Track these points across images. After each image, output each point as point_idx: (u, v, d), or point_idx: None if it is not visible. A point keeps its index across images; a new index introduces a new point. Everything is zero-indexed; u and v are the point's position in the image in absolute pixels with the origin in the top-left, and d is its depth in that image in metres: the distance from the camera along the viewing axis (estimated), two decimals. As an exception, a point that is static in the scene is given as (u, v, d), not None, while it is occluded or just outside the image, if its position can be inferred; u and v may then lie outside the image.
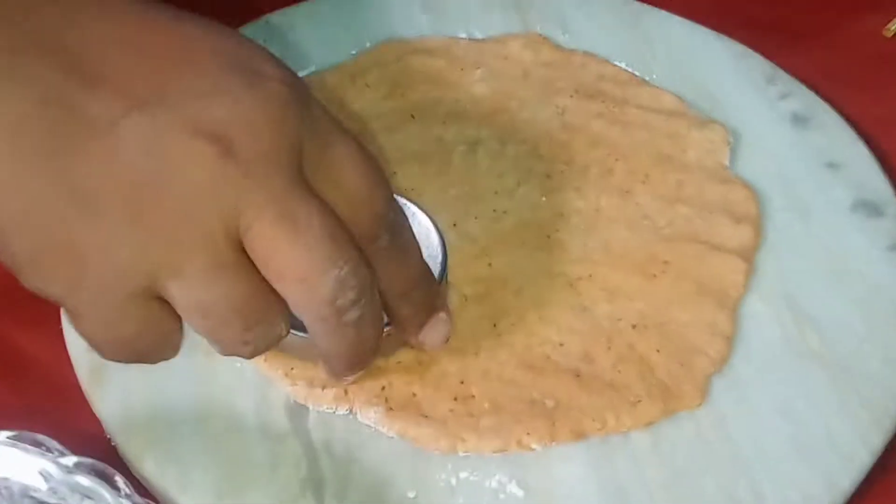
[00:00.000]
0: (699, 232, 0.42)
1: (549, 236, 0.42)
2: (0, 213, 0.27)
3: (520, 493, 0.35)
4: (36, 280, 0.28)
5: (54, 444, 0.29)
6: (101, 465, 0.28)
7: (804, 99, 0.49)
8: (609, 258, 0.41)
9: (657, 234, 0.42)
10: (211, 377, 0.37)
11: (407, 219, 0.33)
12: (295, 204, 0.28)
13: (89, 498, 0.27)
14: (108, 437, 0.37)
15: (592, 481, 0.35)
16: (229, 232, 0.28)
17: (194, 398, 0.37)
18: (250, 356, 0.31)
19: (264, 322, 0.29)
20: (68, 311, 0.29)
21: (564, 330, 0.39)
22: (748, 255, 0.42)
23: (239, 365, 0.38)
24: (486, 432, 0.35)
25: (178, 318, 0.29)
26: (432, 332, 0.35)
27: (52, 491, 0.27)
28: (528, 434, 0.35)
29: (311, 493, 0.34)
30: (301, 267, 0.28)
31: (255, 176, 0.27)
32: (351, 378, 0.35)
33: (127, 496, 0.28)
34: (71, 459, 0.28)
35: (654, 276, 0.41)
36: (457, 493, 0.35)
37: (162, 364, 0.38)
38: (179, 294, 0.28)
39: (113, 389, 0.37)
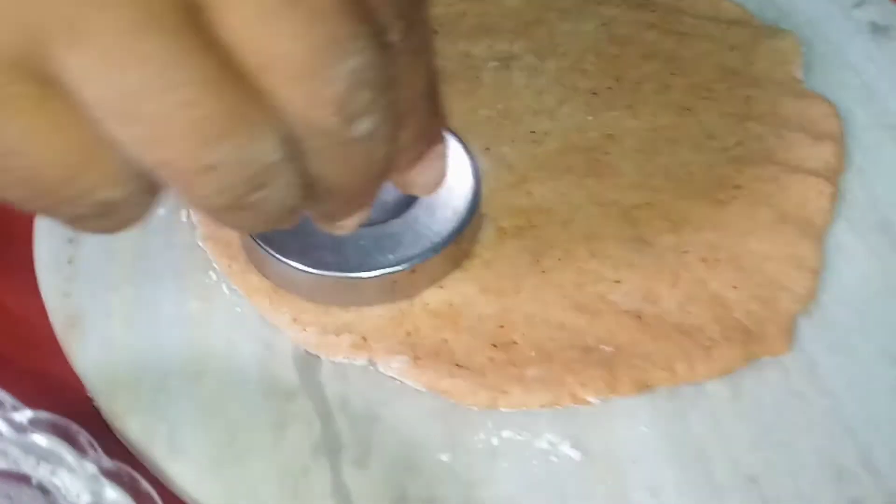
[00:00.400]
0: (774, 152, 0.36)
1: (598, 160, 0.36)
2: None
3: (575, 454, 0.29)
4: None
5: (5, 395, 0.23)
6: (63, 422, 0.23)
7: (881, 6, 0.43)
8: (670, 183, 0.35)
9: (725, 156, 0.36)
10: (206, 325, 0.32)
11: (424, 12, 0.22)
12: None
13: (46, 461, 0.22)
14: (89, 395, 0.31)
15: (662, 441, 0.29)
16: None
17: (186, 350, 0.31)
18: (221, 200, 0.19)
19: (236, 133, 0.18)
20: None
21: (621, 265, 0.33)
22: (832, 178, 0.36)
23: (239, 310, 0.32)
24: (532, 384, 0.30)
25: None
26: (428, 170, 0.25)
27: (1, 453, 0.22)
28: (582, 385, 0.30)
29: (325, 459, 0.29)
30: (298, 54, 0.17)
31: None
32: (350, 223, 0.25)
33: (93, 459, 0.22)
34: (25, 414, 0.23)
35: (725, 202, 0.35)
36: (499, 456, 0.29)
37: (149, 311, 0.33)
38: (84, 75, 0.16)
39: (93, 341, 0.32)
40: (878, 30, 0.42)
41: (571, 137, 0.37)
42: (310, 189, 0.20)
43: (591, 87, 0.38)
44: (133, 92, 0.16)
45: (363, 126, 0.19)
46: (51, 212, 0.18)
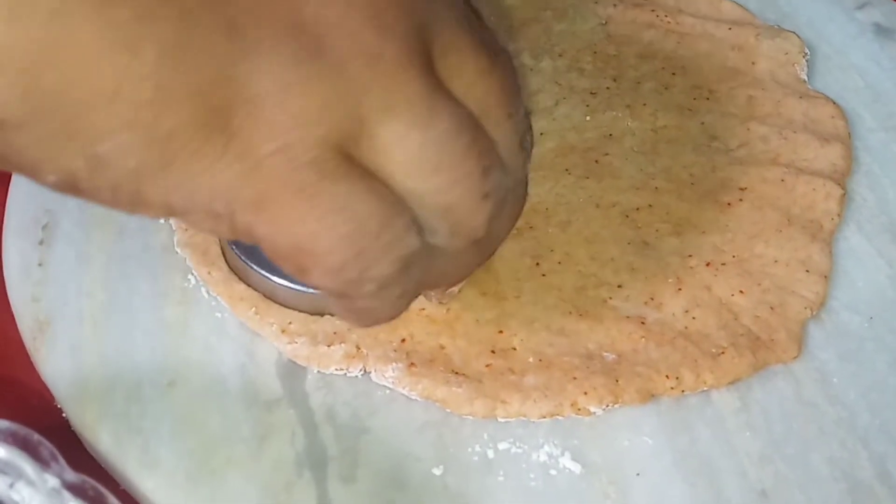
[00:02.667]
0: (780, 153, 0.35)
1: (597, 161, 0.35)
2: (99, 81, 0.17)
3: (575, 467, 0.27)
4: (192, 175, 0.19)
5: (-41, 403, 0.21)
6: (23, 431, 0.21)
7: (884, 8, 0.42)
8: (672, 185, 0.34)
9: (729, 157, 0.35)
10: (183, 331, 0.30)
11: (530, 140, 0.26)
12: (475, 23, 0.22)
13: (5, 473, 0.20)
14: (57, 405, 0.29)
15: (667, 453, 0.28)
16: (427, 52, 0.20)
17: (162, 357, 0.29)
18: (489, 223, 0.22)
19: (496, 163, 0.22)
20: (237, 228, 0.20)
21: (623, 269, 0.31)
22: (841, 180, 0.34)
23: (219, 315, 0.30)
24: (532, 392, 0.28)
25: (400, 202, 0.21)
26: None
27: (-47, 466, 0.20)
28: (585, 394, 0.28)
29: (309, 473, 0.27)
30: (508, 97, 0.22)
31: None
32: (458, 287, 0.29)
33: (55, 471, 0.20)
34: (-19, 423, 0.21)
35: (729, 204, 0.33)
36: (495, 469, 0.27)
37: (123, 317, 0.31)
38: (397, 144, 0.20)
39: (62, 347, 0.30)
40: (881, 31, 0.41)
41: (569, 138, 0.35)
42: None
43: (589, 87, 0.37)
44: (438, 143, 0.20)
45: (526, 171, 0.24)
46: (365, 273, 0.20)
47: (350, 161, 0.19)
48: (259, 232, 0.20)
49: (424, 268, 0.22)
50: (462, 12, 0.21)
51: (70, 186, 0.19)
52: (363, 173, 0.20)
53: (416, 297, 0.23)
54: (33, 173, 0.18)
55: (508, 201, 0.23)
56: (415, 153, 0.20)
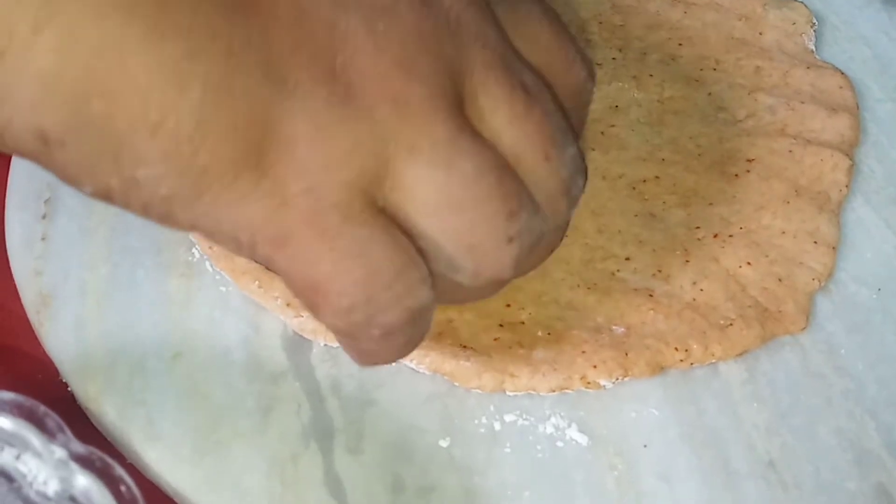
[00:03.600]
0: (787, 124, 0.35)
1: (602, 132, 0.34)
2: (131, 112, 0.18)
3: (582, 439, 0.27)
4: (221, 206, 0.19)
5: (-36, 374, 0.21)
6: (29, 403, 0.21)
7: (894, -21, 0.41)
8: (679, 156, 0.34)
9: (736, 128, 0.34)
10: (187, 304, 0.30)
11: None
12: (515, 62, 0.22)
13: (10, 445, 0.20)
14: (62, 378, 0.29)
15: (674, 425, 0.28)
16: (456, 95, 0.21)
17: (166, 330, 0.29)
18: (515, 266, 0.22)
19: (526, 205, 0.21)
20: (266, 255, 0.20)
21: (630, 241, 0.31)
22: (848, 151, 0.34)
23: (223, 289, 0.30)
24: (541, 366, 0.28)
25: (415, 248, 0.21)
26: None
27: (-41, 437, 0.20)
28: (594, 368, 0.28)
29: (315, 445, 0.27)
30: (544, 140, 0.21)
31: (467, 26, 0.21)
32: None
33: (62, 443, 0.20)
34: (-14, 395, 0.21)
35: (737, 175, 0.33)
36: (501, 441, 0.27)
37: (126, 290, 0.30)
38: (420, 183, 0.20)
39: (66, 321, 0.30)
40: (889, 1, 0.41)
41: (574, 109, 0.35)
42: None
43: (595, 58, 0.37)
44: (460, 185, 0.20)
45: (572, 210, 0.23)
46: (373, 318, 0.21)
47: (373, 207, 0.20)
48: (277, 266, 0.20)
49: (431, 318, 0.22)
50: (499, 53, 0.21)
51: (104, 197, 0.19)
52: (387, 223, 0.20)
53: (422, 341, 0.23)
54: (72, 182, 0.19)
55: (542, 245, 0.23)
56: (435, 193, 0.20)
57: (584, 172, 0.23)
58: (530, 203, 0.21)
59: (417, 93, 0.20)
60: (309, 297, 0.20)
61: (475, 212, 0.20)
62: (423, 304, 0.21)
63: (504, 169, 0.21)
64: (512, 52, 0.22)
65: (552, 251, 0.24)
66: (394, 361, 0.24)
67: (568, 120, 0.23)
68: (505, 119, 0.21)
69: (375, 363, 0.23)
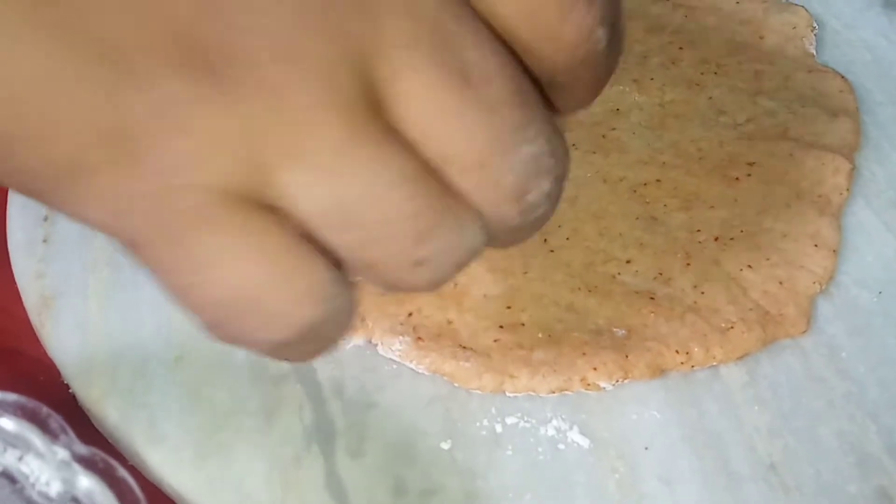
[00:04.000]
0: (788, 128, 0.35)
1: (603, 136, 0.34)
2: None
3: (584, 442, 0.27)
4: (73, 201, 0.17)
5: (-33, 376, 0.21)
6: (32, 404, 0.21)
7: (894, -17, 0.41)
8: (680, 160, 0.34)
9: (737, 132, 0.35)
10: (190, 306, 0.30)
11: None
12: (458, 37, 0.17)
13: (13, 446, 0.20)
14: (64, 381, 0.29)
15: (675, 427, 0.28)
16: (361, 86, 0.17)
17: (168, 332, 0.29)
18: (430, 286, 0.19)
19: (445, 225, 0.18)
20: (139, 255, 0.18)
21: (631, 244, 0.31)
22: (849, 154, 0.34)
23: (225, 291, 0.30)
24: (541, 367, 0.28)
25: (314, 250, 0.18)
26: None
27: (-38, 439, 0.20)
28: (594, 370, 0.28)
29: (317, 447, 0.27)
30: (478, 145, 0.17)
31: None
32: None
33: (64, 444, 0.20)
34: (-10, 396, 0.21)
35: (738, 179, 0.33)
36: (503, 443, 0.27)
37: (128, 292, 0.30)
38: (303, 192, 0.17)
39: (68, 323, 0.30)
40: (890, 5, 0.41)
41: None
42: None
43: (596, 61, 0.37)
44: (351, 201, 0.17)
45: (539, 212, 0.19)
46: (259, 332, 0.18)
47: (244, 211, 0.17)
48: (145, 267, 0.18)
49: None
50: (429, 24, 0.17)
51: None
52: (248, 229, 0.17)
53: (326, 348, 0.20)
54: None
55: (479, 255, 0.19)
56: (320, 207, 0.17)
57: (556, 168, 0.18)
58: (457, 217, 0.18)
59: (299, 85, 0.16)
60: (177, 301, 0.18)
61: (372, 232, 0.17)
62: (317, 318, 0.18)
63: (420, 180, 0.17)
64: (457, 17, 0.17)
65: (517, 244, 0.21)
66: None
67: (539, 104, 0.18)
68: (430, 115, 0.17)
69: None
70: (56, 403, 0.23)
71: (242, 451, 0.27)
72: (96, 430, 0.28)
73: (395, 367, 0.29)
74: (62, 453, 0.20)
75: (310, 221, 0.17)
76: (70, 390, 0.29)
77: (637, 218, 0.32)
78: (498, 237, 0.19)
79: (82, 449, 0.20)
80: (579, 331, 0.29)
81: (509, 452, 0.27)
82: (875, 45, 0.39)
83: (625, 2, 0.19)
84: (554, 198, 0.19)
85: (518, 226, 0.19)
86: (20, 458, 0.20)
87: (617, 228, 0.32)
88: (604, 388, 0.28)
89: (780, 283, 0.30)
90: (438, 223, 0.17)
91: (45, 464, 0.20)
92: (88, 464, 0.20)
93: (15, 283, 0.31)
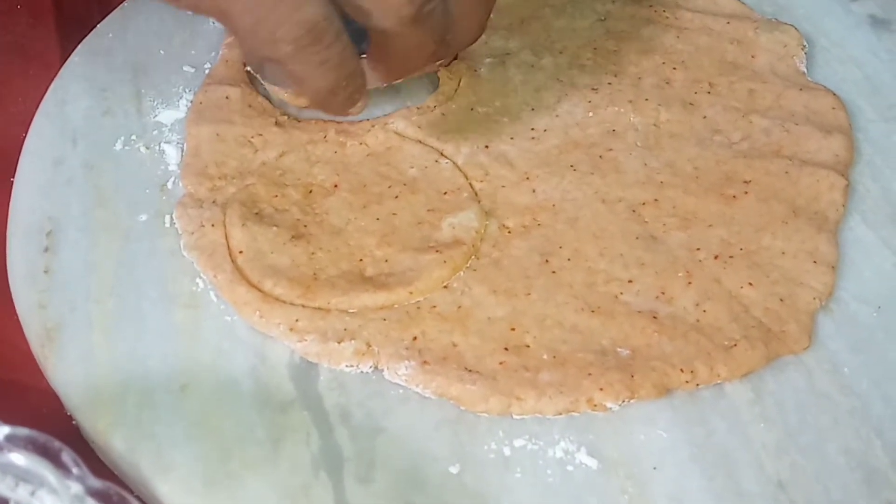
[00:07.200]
0: (783, 145, 0.35)
1: (601, 156, 0.35)
2: None
3: (592, 463, 0.27)
4: None
5: (-23, 411, 0.21)
6: (43, 438, 0.21)
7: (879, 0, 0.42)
8: (678, 179, 0.34)
9: (732, 150, 0.35)
10: (193, 335, 0.30)
11: None
12: None
13: (26, 481, 0.20)
14: (68, 413, 0.29)
15: (683, 446, 0.28)
16: None
17: (173, 362, 0.29)
18: (407, 10, 0.27)
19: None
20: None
21: (632, 264, 0.31)
22: (844, 171, 0.34)
23: (228, 319, 0.30)
24: (547, 389, 0.28)
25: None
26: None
27: (-26, 474, 0.20)
28: (601, 390, 0.28)
29: (325, 474, 0.27)
30: None
31: None
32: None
33: (77, 478, 0.20)
34: (1, 431, 0.20)
35: (735, 197, 0.33)
36: (511, 466, 0.27)
37: (132, 322, 0.30)
38: None
39: (72, 354, 0.30)
40: (877, 23, 0.41)
41: (572, 134, 0.35)
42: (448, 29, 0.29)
43: (591, 83, 0.37)
44: None
45: (431, 5, 0.27)
46: (274, 32, 0.26)
47: None
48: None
49: (348, 44, 0.27)
50: None
51: None
52: None
53: (347, 71, 0.28)
54: None
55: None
56: None
57: None
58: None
59: None
60: (223, 24, 0.27)
61: None
62: (313, 17, 0.25)
63: None
64: None
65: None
66: (329, 93, 0.28)
67: None
68: None
69: (318, 96, 0.28)
70: (59, 435, 0.23)
71: (251, 480, 0.27)
72: (99, 462, 0.28)
73: (401, 391, 0.29)
74: (75, 487, 0.20)
75: None
76: (73, 422, 0.29)
77: (637, 238, 0.32)
78: (390, 54, 0.28)
79: (96, 483, 0.20)
80: (584, 351, 0.29)
81: (518, 475, 0.27)
82: (865, 63, 0.40)
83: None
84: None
85: (412, 34, 0.27)
86: (32, 493, 0.20)
87: (617, 248, 0.32)
88: (610, 408, 0.28)
89: (781, 299, 0.31)
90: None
91: (59, 499, 0.20)
92: (102, 497, 0.20)
93: (16, 315, 0.31)
